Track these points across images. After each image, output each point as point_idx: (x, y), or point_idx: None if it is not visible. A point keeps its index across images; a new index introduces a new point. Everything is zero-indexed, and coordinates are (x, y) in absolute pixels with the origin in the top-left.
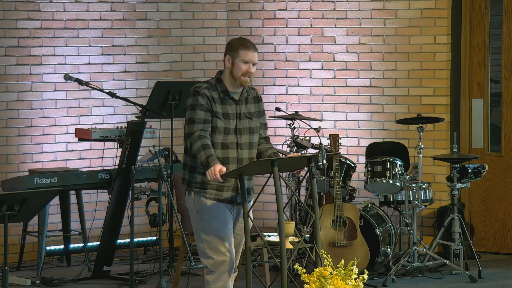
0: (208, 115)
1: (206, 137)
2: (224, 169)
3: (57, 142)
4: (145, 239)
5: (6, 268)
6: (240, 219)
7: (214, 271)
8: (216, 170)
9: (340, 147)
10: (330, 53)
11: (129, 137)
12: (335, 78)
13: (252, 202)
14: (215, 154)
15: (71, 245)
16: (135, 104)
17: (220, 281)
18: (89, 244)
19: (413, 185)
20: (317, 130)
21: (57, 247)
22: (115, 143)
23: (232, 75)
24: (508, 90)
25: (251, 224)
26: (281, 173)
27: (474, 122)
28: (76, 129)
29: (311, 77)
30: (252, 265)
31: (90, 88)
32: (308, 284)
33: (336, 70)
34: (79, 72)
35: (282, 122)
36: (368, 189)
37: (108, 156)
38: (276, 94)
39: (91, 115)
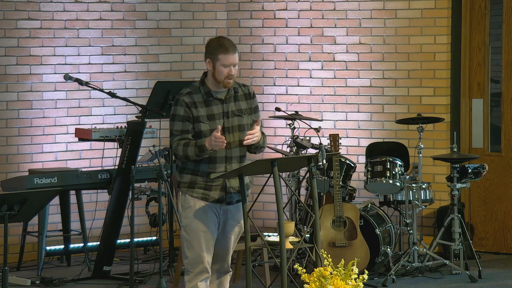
0: (187, 125)
1: (183, 140)
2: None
3: (57, 142)
4: (145, 239)
5: (6, 268)
6: (231, 221)
7: (191, 271)
8: (215, 135)
9: (340, 147)
10: (330, 53)
11: (129, 137)
12: (335, 78)
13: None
14: (198, 140)
15: (71, 245)
16: (135, 104)
17: (194, 280)
18: (89, 244)
19: (413, 185)
20: (317, 130)
21: (57, 247)
22: (115, 143)
23: (214, 78)
24: (508, 90)
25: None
26: (281, 173)
27: (474, 122)
28: (76, 129)
29: (311, 77)
30: (252, 265)
31: (90, 88)
32: (308, 284)
33: (336, 70)
34: (79, 72)
35: (282, 122)
36: (368, 189)
37: (108, 156)
38: (276, 94)
39: (91, 115)
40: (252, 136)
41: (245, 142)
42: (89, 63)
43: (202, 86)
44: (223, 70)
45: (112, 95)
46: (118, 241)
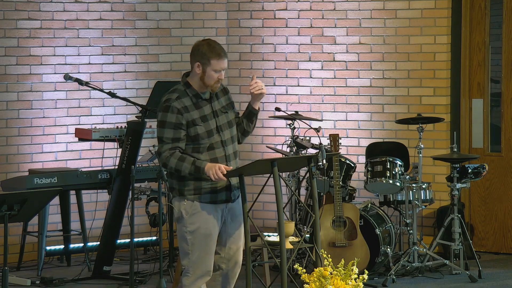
0: (178, 132)
1: (176, 151)
2: (228, 168)
3: (57, 142)
4: (145, 239)
5: (6, 268)
6: (238, 217)
7: (190, 274)
8: (220, 169)
9: (340, 147)
10: (330, 53)
11: (129, 137)
12: (335, 78)
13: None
14: (196, 159)
15: (71, 245)
16: (135, 104)
17: (195, 284)
18: (89, 244)
19: (413, 185)
20: (317, 130)
21: (57, 247)
22: (115, 143)
23: (203, 81)
24: (508, 90)
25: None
26: (281, 173)
27: (474, 122)
28: (76, 129)
29: (311, 77)
30: (252, 265)
31: (90, 88)
32: (308, 284)
33: (336, 70)
34: (79, 72)
35: (282, 122)
36: (368, 189)
37: (108, 156)
38: (276, 94)
39: (91, 115)
40: (259, 84)
41: (254, 90)
42: (89, 63)
43: (188, 89)
44: (213, 75)
45: (112, 95)
46: (118, 241)
